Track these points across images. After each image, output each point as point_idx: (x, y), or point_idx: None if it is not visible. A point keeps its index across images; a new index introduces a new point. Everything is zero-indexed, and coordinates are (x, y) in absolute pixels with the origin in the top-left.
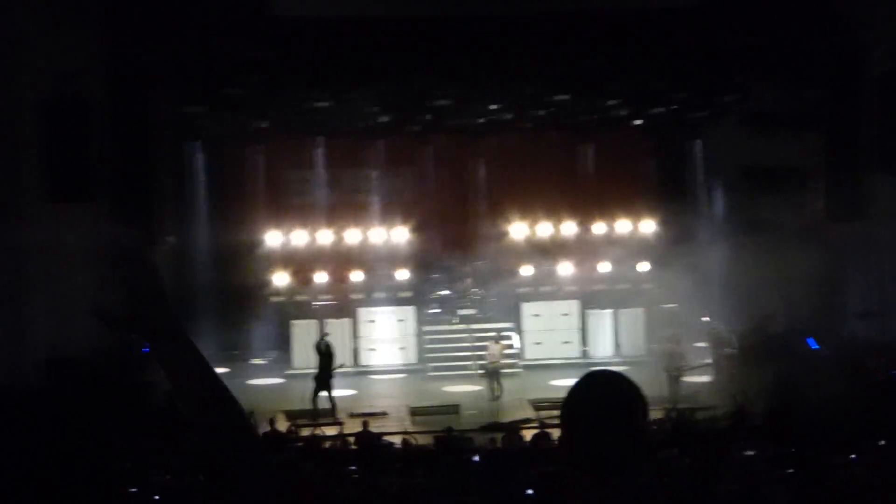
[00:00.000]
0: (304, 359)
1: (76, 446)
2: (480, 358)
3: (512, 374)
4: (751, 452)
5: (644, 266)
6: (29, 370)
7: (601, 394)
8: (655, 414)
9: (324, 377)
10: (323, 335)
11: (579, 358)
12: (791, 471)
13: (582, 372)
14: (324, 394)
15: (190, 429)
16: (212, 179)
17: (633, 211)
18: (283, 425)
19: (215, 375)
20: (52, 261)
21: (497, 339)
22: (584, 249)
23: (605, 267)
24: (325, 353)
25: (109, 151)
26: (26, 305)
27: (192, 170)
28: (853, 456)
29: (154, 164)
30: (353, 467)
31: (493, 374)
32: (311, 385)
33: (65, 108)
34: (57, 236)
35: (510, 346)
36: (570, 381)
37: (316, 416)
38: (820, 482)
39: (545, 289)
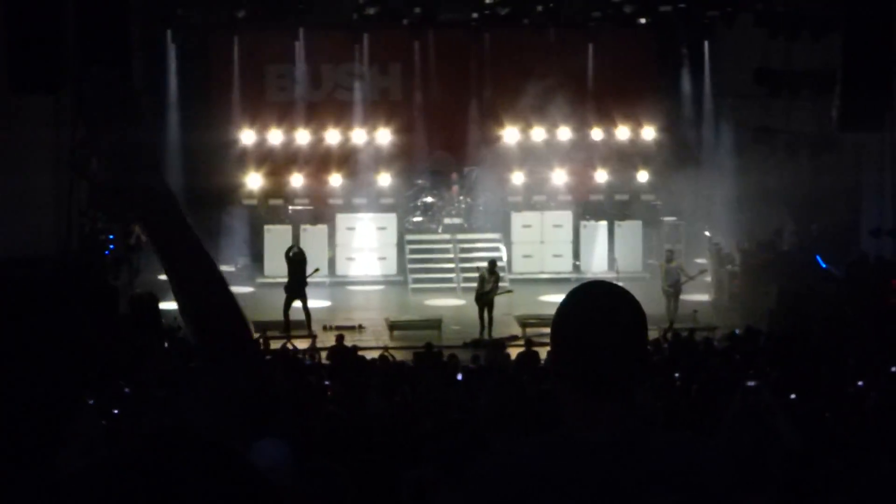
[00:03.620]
0: (277, 267)
1: (29, 351)
2: (465, 271)
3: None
4: (752, 383)
5: (644, 176)
6: None
7: (596, 306)
8: (651, 334)
9: (296, 286)
10: (292, 245)
11: (571, 273)
12: (795, 397)
13: (574, 286)
14: (297, 305)
15: (184, 319)
16: (184, 72)
17: (635, 117)
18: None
19: (214, 264)
20: (13, 157)
21: (490, 269)
22: (580, 157)
23: (601, 176)
24: (295, 261)
25: (79, 38)
26: None
27: (163, 61)
28: (861, 382)
29: (127, 54)
30: (328, 382)
31: (484, 304)
32: (283, 295)
33: None
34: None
35: (503, 279)
36: (560, 297)
37: (288, 327)
38: (827, 409)
39: (537, 198)
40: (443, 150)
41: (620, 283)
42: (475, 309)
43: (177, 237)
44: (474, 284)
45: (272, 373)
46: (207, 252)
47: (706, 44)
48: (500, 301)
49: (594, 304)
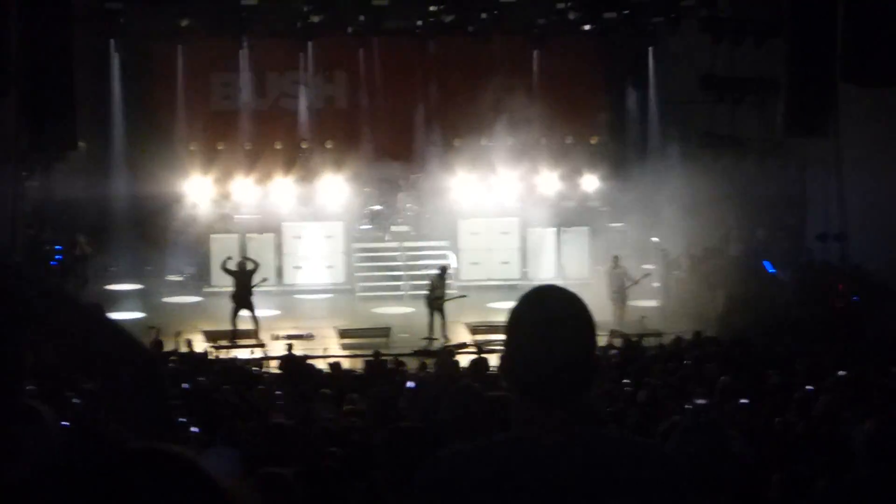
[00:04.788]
0: (223, 276)
1: None
2: (413, 279)
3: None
4: (701, 401)
5: (590, 182)
6: None
7: (545, 310)
8: (600, 340)
9: (242, 295)
10: (230, 257)
11: (519, 280)
12: (745, 401)
13: (522, 293)
14: (245, 313)
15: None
16: (128, 82)
17: (581, 123)
18: (201, 346)
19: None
20: None
21: (441, 275)
22: (527, 163)
23: (548, 182)
24: (243, 271)
25: (21, 47)
26: None
27: (106, 71)
28: (810, 387)
29: (72, 62)
30: (279, 392)
31: (435, 309)
32: (229, 304)
33: None
34: None
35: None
36: (509, 304)
37: (236, 337)
38: (776, 414)
39: (484, 205)
40: (389, 158)
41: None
42: (423, 316)
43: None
44: (422, 292)
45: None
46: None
47: (650, 50)
48: (449, 308)
49: (544, 308)
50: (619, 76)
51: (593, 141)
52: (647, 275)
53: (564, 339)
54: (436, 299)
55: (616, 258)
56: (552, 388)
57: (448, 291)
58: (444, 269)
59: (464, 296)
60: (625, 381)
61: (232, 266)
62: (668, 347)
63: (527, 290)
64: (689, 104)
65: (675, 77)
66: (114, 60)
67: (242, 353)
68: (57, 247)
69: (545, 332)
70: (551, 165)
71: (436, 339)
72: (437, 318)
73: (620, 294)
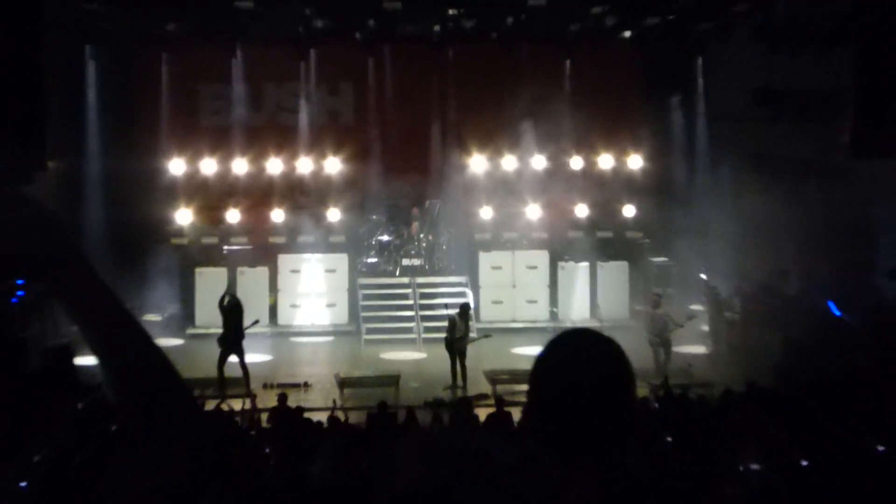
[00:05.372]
0: (210, 315)
1: None
2: (426, 319)
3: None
4: (755, 466)
5: (630, 210)
6: None
7: (577, 358)
8: (640, 391)
9: (232, 339)
10: (226, 291)
11: (548, 321)
12: (806, 463)
13: (552, 337)
14: (234, 359)
15: (110, 385)
16: (105, 93)
17: (619, 143)
18: None
19: (135, 320)
20: None
21: (462, 314)
22: (557, 189)
23: (581, 211)
24: (231, 310)
25: None
26: None
27: (81, 80)
28: (882, 448)
29: (42, 70)
30: (269, 449)
31: (456, 352)
32: (216, 348)
33: None
34: None
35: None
36: (536, 349)
37: (223, 385)
38: (844, 479)
39: (509, 235)
40: (401, 181)
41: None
42: (437, 363)
43: (91, 301)
44: (437, 335)
45: (215, 432)
46: (124, 307)
47: (699, 60)
48: (469, 353)
49: (575, 355)
50: (663, 89)
51: (633, 162)
52: (693, 316)
53: (597, 391)
54: (457, 341)
55: (658, 297)
56: (583, 444)
57: (471, 334)
58: (465, 306)
59: (488, 336)
60: (667, 438)
61: (226, 304)
62: (717, 400)
63: (556, 334)
64: (742, 121)
65: (725, 91)
66: (90, 68)
67: (232, 405)
68: (18, 280)
69: (576, 382)
70: (585, 190)
71: (460, 386)
72: (458, 363)
73: (663, 338)
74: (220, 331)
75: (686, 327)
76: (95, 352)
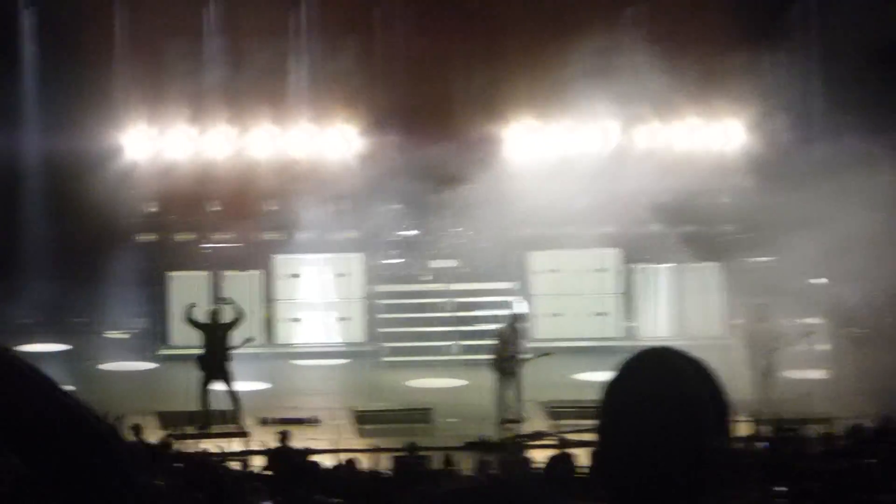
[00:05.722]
0: (188, 331)
1: None
2: (465, 336)
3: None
4: None
5: (723, 196)
6: None
7: (657, 385)
8: (741, 428)
9: (215, 361)
10: (194, 304)
11: (620, 338)
12: None
13: (621, 362)
14: (220, 387)
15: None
16: (44, 49)
17: (710, 107)
18: (154, 435)
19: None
20: None
21: (513, 325)
22: (627, 168)
23: (661, 197)
24: (212, 325)
25: None
26: None
27: (13, 32)
28: None
29: None
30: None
31: (507, 374)
32: (196, 373)
33: None
34: None
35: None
36: (606, 375)
37: (207, 421)
38: None
39: (567, 230)
40: (426, 159)
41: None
42: (480, 392)
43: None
44: (476, 357)
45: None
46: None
47: (805, 6)
48: (525, 376)
49: (652, 382)
50: (769, 38)
51: (726, 135)
52: (809, 333)
53: (681, 428)
54: (507, 361)
55: (762, 308)
56: (666, 496)
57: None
58: (517, 317)
59: (549, 353)
60: (777, 487)
61: (200, 317)
62: (841, 439)
63: (630, 354)
64: (863, 83)
65: (841, 43)
66: (22, 17)
67: (215, 445)
68: None
69: (653, 416)
70: (665, 171)
71: (515, 420)
72: (510, 387)
73: (768, 360)
74: (198, 350)
75: (798, 346)
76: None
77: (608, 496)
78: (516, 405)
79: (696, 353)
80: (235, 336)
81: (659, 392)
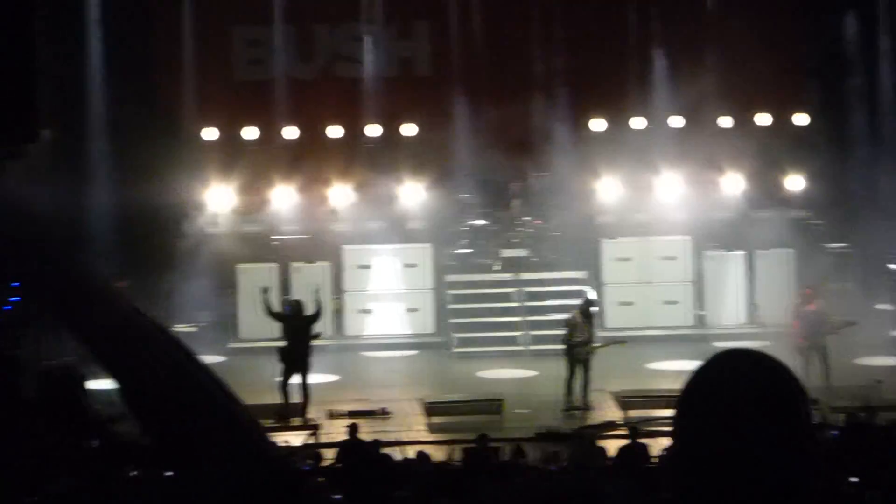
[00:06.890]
0: (258, 323)
1: None
2: (535, 326)
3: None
4: None
5: (796, 182)
6: None
7: (741, 389)
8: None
9: (296, 354)
10: (267, 288)
11: (692, 327)
12: None
13: (698, 348)
14: (296, 380)
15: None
16: (112, 41)
17: (782, 95)
18: None
19: (160, 329)
20: None
21: (585, 312)
22: (700, 156)
23: (733, 184)
24: (295, 317)
25: None
26: None
27: (83, 26)
28: None
29: (32, 15)
30: (338, 496)
31: (577, 361)
32: (275, 366)
33: None
34: None
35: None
36: (677, 364)
37: (286, 414)
38: None
39: (639, 217)
40: (497, 148)
41: (765, 341)
42: (550, 382)
43: (93, 312)
44: (549, 347)
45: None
46: (141, 315)
47: None
48: (595, 363)
49: (733, 391)
50: (839, 18)
51: (800, 121)
52: (852, 323)
53: (788, 427)
54: (578, 347)
55: (811, 290)
56: (746, 498)
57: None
58: (589, 302)
59: (623, 341)
60: (850, 479)
61: (276, 306)
62: None
63: (709, 356)
64: None
65: None
66: (92, 12)
67: (287, 438)
68: (13, 283)
69: (736, 423)
70: (737, 158)
71: (579, 408)
72: (579, 375)
73: (817, 343)
74: (270, 343)
75: (847, 334)
76: (112, 374)
77: (689, 490)
78: (582, 393)
79: (768, 341)
80: (317, 326)
81: (760, 392)
